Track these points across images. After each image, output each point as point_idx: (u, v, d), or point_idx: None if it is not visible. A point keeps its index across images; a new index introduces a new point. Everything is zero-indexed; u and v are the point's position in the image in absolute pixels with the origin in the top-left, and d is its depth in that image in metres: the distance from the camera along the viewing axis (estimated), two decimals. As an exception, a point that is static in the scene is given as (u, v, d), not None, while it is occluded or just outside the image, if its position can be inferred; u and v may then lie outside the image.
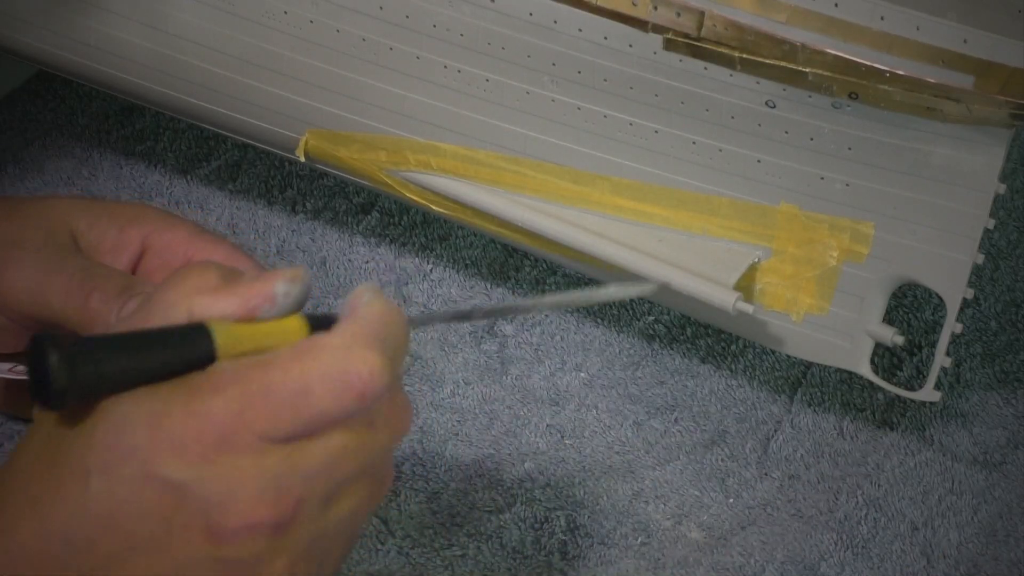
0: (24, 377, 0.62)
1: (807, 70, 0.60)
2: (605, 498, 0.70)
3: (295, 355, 0.47)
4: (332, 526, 0.49)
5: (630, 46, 0.63)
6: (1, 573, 0.46)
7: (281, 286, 0.49)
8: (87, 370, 0.46)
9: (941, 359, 0.66)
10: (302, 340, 0.48)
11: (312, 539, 0.48)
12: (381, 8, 0.67)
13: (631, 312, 0.78)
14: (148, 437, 0.46)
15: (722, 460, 0.72)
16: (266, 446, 0.46)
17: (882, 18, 0.59)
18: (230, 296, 0.48)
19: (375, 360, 0.46)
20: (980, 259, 0.64)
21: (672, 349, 0.77)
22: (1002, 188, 0.63)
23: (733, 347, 0.77)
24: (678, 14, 0.61)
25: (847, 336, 0.68)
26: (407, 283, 0.79)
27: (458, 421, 0.73)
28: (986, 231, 0.63)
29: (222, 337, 0.47)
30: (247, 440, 0.46)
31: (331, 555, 0.50)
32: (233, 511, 0.46)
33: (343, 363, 0.46)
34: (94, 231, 0.62)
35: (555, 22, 0.64)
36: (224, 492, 0.46)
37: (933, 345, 0.69)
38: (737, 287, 0.66)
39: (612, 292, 0.54)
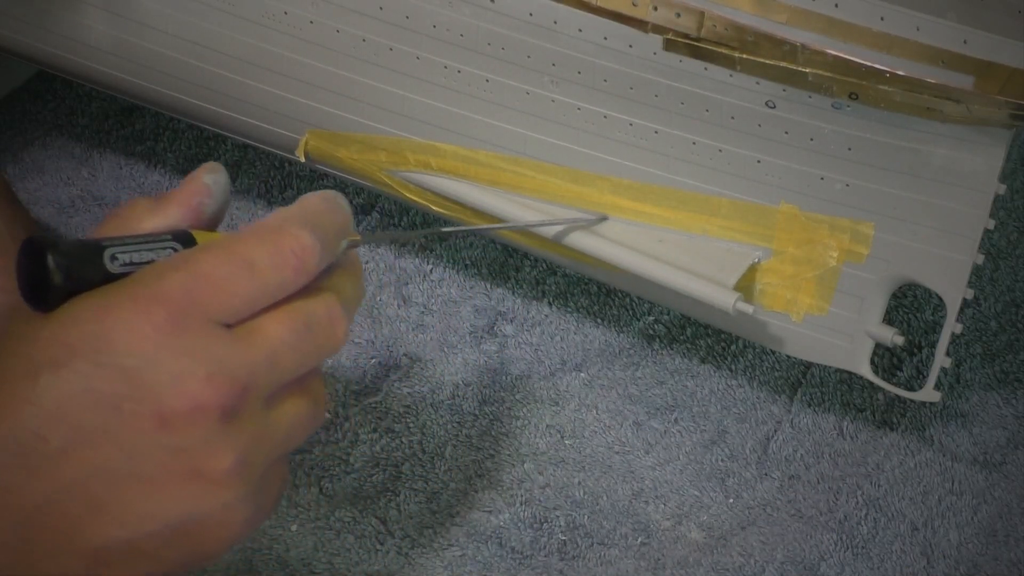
0: None
1: (807, 70, 0.60)
2: (605, 498, 0.70)
3: (235, 237, 0.49)
4: (273, 432, 0.49)
5: (630, 46, 0.63)
6: None
7: (207, 177, 0.52)
8: (83, 271, 0.48)
9: (941, 359, 0.66)
10: (241, 227, 0.51)
11: (256, 438, 0.49)
12: (381, 9, 0.67)
13: (631, 312, 0.78)
14: (98, 326, 0.47)
15: (722, 460, 0.72)
16: (213, 328, 0.48)
17: (882, 19, 0.59)
18: (169, 207, 0.51)
19: (306, 235, 0.50)
20: (980, 259, 0.64)
21: (672, 349, 0.77)
22: (1002, 188, 0.63)
23: (733, 347, 0.77)
24: (678, 15, 0.61)
25: (847, 336, 0.68)
26: (407, 283, 0.79)
27: (458, 422, 0.73)
28: (986, 231, 0.63)
29: (201, 240, 0.50)
30: (195, 320, 0.47)
31: (272, 479, 0.50)
32: (182, 393, 0.47)
33: (278, 238, 0.49)
34: None
35: (555, 23, 0.64)
36: (173, 374, 0.47)
37: (933, 345, 0.69)
38: (737, 287, 0.66)
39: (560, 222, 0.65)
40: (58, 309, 0.48)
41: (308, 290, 0.50)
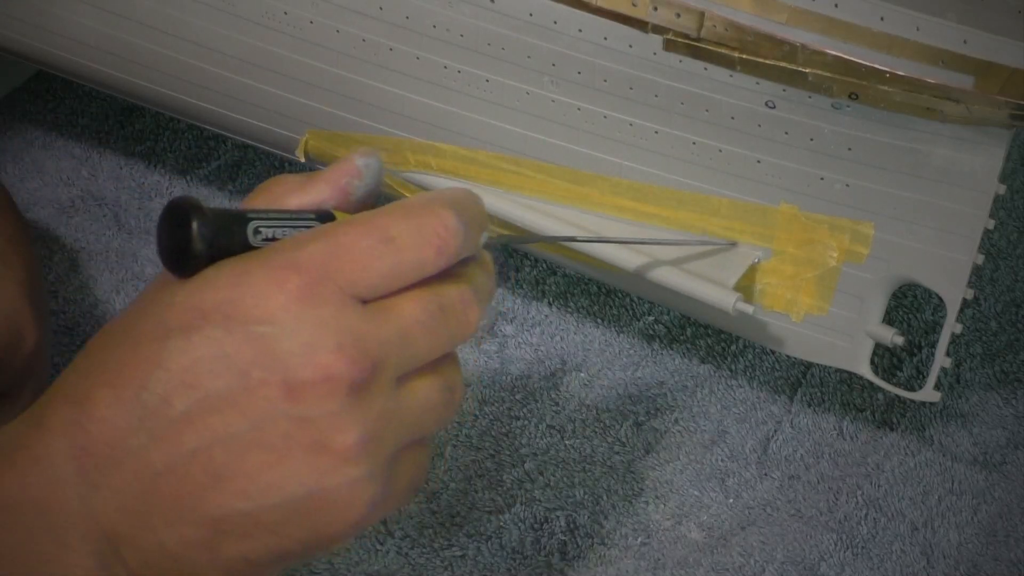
0: None
1: (807, 71, 0.60)
2: (605, 498, 0.70)
3: (379, 212, 0.49)
4: (403, 412, 0.49)
5: (630, 47, 0.63)
6: (75, 448, 0.46)
7: (359, 160, 0.51)
8: (225, 241, 0.47)
9: (941, 359, 0.66)
10: (386, 204, 0.50)
11: (385, 416, 0.48)
12: (381, 9, 0.67)
13: (631, 312, 0.78)
14: (232, 292, 0.46)
15: (722, 460, 0.72)
16: (348, 301, 0.47)
17: (882, 18, 0.59)
18: (318, 184, 0.50)
19: (451, 217, 0.49)
20: (980, 259, 0.64)
21: (672, 349, 0.77)
22: (1002, 188, 0.63)
23: (733, 347, 0.77)
24: (678, 15, 0.61)
25: (847, 336, 0.68)
26: (407, 283, 0.79)
27: (458, 422, 0.73)
28: (986, 231, 0.63)
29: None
30: (330, 291, 0.47)
31: (405, 463, 0.49)
32: (312, 363, 0.46)
33: (422, 217, 0.48)
34: None
35: (555, 23, 0.64)
36: (304, 344, 0.46)
37: (933, 345, 0.69)
38: (737, 288, 0.66)
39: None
40: (195, 276, 0.47)
41: (444, 275, 0.49)
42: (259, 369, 0.46)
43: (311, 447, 0.46)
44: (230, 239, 0.48)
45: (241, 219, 0.48)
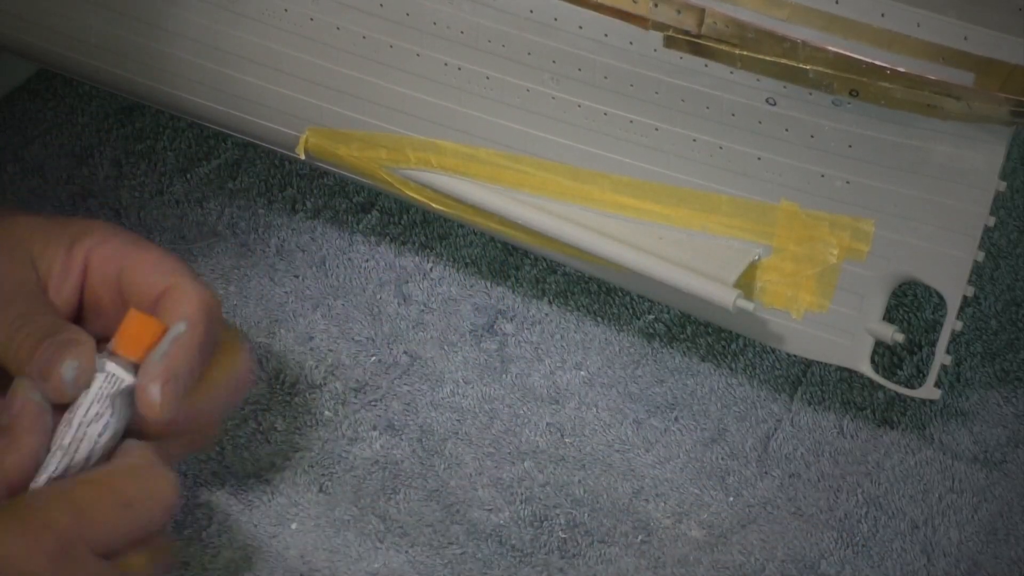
0: None
1: (808, 67, 0.60)
2: (605, 496, 0.70)
3: (114, 472, 0.56)
4: None
5: (631, 43, 0.63)
6: None
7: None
8: None
9: (941, 357, 0.66)
10: (120, 456, 0.57)
11: None
12: (381, 5, 0.67)
13: (631, 311, 0.78)
14: None
15: (722, 458, 0.72)
16: (97, 562, 0.54)
17: (883, 15, 0.59)
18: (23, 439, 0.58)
19: (175, 479, 0.57)
20: (980, 257, 0.64)
21: (672, 348, 0.77)
22: (1002, 186, 0.63)
23: (733, 345, 0.77)
24: (679, 11, 0.61)
25: (847, 334, 0.68)
26: (407, 282, 0.79)
27: (458, 420, 0.73)
28: (986, 229, 0.64)
29: None
30: (81, 552, 0.53)
31: None
32: None
33: (153, 480, 0.57)
34: (46, 254, 0.63)
35: (555, 19, 0.64)
36: None
37: (933, 343, 0.69)
38: (737, 285, 0.66)
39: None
40: None
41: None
42: None
43: None
44: None
45: None
